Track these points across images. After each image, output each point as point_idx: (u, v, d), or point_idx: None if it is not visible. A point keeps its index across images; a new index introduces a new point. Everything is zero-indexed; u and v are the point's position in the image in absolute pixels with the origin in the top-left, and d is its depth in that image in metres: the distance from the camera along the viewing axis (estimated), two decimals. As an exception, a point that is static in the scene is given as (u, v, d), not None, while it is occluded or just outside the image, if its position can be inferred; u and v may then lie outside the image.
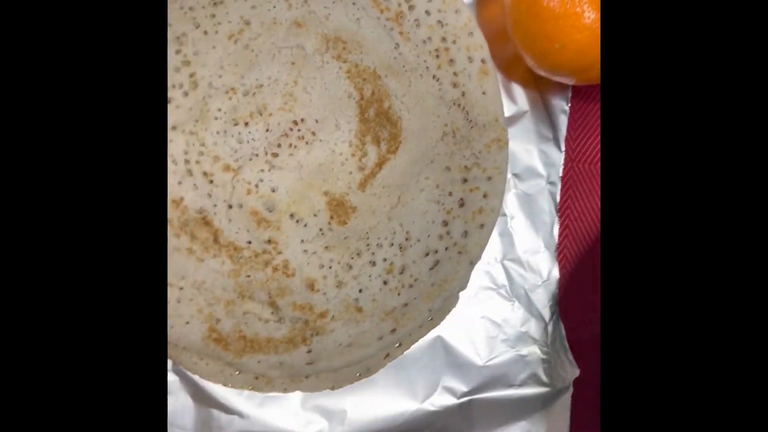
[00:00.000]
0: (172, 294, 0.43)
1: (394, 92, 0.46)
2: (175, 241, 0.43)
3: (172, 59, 0.43)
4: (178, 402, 0.45)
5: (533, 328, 0.49)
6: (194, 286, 0.43)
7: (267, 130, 0.44)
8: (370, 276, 0.46)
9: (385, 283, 0.46)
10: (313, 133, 0.45)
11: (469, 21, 0.47)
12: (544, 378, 0.49)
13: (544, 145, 0.50)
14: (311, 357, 0.45)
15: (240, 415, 0.46)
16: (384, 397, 0.47)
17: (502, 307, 0.49)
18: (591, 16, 0.42)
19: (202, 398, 0.46)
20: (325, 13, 0.46)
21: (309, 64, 0.45)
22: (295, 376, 0.45)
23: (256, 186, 0.44)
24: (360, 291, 0.46)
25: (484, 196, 0.47)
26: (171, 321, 0.43)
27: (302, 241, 0.45)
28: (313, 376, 0.46)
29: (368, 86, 0.46)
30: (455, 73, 0.47)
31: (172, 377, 0.45)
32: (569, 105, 0.50)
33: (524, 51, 0.48)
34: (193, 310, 0.43)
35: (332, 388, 0.47)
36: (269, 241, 0.44)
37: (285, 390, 0.46)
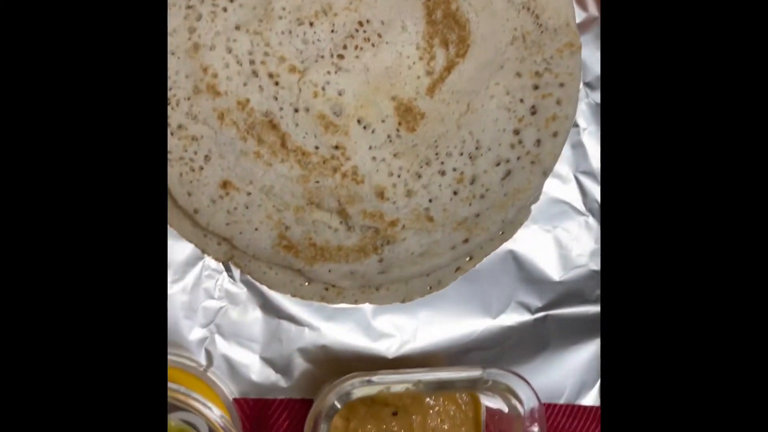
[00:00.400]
0: (240, 199, 0.41)
1: (461, -7, 0.44)
2: (241, 145, 0.41)
3: (234, -44, 0.42)
4: (247, 314, 0.44)
5: (607, 243, 0.47)
6: (262, 191, 0.42)
7: (332, 31, 0.42)
8: (440, 185, 0.44)
9: (455, 193, 0.44)
10: (380, 35, 0.43)
11: None
12: (620, 294, 0.47)
13: (615, 52, 0.48)
14: (383, 266, 0.43)
15: (310, 327, 0.44)
16: (456, 311, 0.46)
17: (575, 221, 0.47)
18: None
19: (271, 310, 0.44)
20: None
21: (373, -38, 0.43)
22: (366, 286, 0.44)
23: (323, 89, 0.42)
24: (430, 201, 0.44)
25: (557, 102, 0.45)
26: (240, 227, 0.42)
27: (370, 147, 0.43)
28: (383, 288, 0.45)
29: (435, -14, 0.44)
30: (524, -26, 0.45)
31: (240, 289, 0.44)
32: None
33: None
34: (262, 216, 0.42)
35: (402, 301, 0.45)
36: (337, 147, 0.42)
37: (355, 302, 0.44)
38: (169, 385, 0.35)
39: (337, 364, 0.44)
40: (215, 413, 0.35)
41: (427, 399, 0.42)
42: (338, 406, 0.37)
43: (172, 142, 0.41)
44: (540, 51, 0.45)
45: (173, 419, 0.35)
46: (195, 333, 0.43)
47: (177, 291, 0.43)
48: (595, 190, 0.47)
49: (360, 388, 0.37)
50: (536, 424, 0.38)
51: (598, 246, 0.47)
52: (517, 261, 0.47)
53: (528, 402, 0.38)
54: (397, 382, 0.37)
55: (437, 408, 0.43)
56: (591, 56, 0.48)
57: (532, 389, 0.38)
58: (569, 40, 0.45)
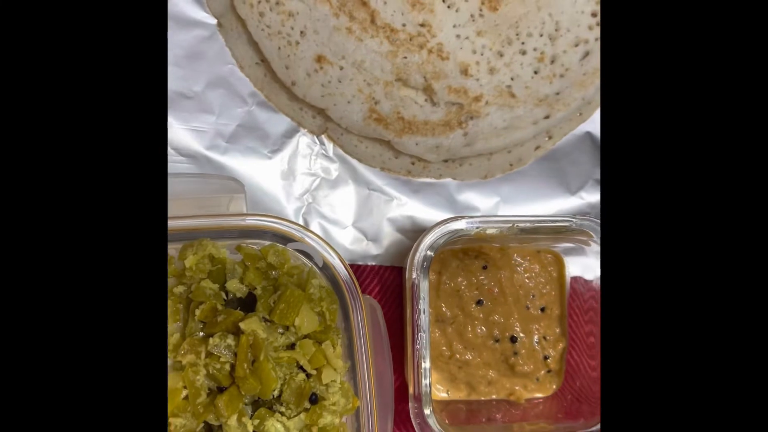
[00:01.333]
0: (333, 72, 0.44)
1: None
2: (334, 21, 0.43)
3: None
4: (339, 186, 0.47)
5: (684, 125, 0.48)
6: (354, 65, 0.44)
7: None
8: (521, 64, 0.45)
9: (536, 72, 0.46)
10: None
11: None
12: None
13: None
14: (468, 139, 0.45)
15: (398, 199, 0.47)
16: (536, 187, 0.48)
17: (652, 103, 0.48)
18: None
19: (361, 182, 0.47)
20: None
21: None
22: (450, 160, 0.46)
23: (409, -33, 0.44)
24: (512, 78, 0.45)
25: (636, -17, 0.46)
26: (334, 99, 0.44)
27: (455, 25, 0.45)
28: (466, 164, 0.46)
29: None
30: None
31: (332, 162, 0.47)
32: None
33: None
34: (354, 89, 0.44)
35: (484, 178, 0.47)
36: (423, 24, 0.44)
37: (440, 176, 0.46)
38: (286, 219, 0.38)
39: (424, 234, 0.46)
40: (328, 247, 0.38)
41: (515, 256, 0.44)
42: (431, 254, 0.39)
43: (271, 17, 0.43)
44: (618, -67, 0.46)
45: (289, 248, 0.38)
46: (292, 203, 0.46)
47: (275, 162, 0.46)
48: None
49: (456, 229, 0.39)
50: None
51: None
52: (594, 141, 0.48)
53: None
54: (492, 222, 0.40)
55: (524, 265, 0.45)
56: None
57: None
58: None
